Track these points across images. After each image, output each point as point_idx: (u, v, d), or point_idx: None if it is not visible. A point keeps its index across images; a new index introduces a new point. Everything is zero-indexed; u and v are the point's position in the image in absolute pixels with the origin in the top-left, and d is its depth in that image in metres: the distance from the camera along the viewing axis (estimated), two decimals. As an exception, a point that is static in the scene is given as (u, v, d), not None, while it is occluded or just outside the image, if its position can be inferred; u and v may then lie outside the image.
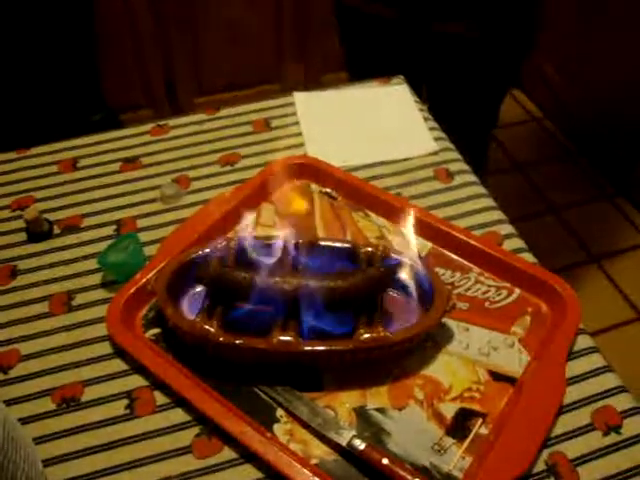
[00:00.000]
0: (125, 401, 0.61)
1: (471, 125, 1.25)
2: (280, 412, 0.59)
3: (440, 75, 1.22)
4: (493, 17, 1.09)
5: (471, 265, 0.72)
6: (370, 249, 0.66)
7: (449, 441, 0.58)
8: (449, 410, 0.60)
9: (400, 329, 0.62)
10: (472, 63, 1.14)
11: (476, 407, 0.60)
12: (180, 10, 1.82)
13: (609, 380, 0.62)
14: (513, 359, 0.64)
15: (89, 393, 0.62)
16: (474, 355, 0.64)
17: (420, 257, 0.72)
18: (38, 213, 0.74)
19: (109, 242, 0.73)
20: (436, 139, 0.88)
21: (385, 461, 0.54)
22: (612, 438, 0.58)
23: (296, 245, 0.67)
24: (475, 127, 1.29)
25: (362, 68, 1.23)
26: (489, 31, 1.10)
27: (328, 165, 0.81)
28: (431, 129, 0.90)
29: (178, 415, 0.60)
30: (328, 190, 0.80)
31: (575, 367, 0.63)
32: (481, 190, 0.82)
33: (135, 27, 1.82)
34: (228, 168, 0.84)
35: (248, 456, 0.56)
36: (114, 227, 0.77)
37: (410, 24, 1.11)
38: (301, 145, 0.87)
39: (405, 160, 0.85)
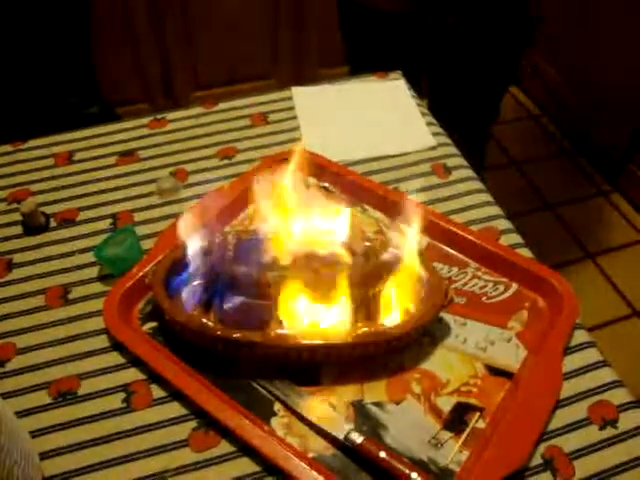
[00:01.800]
0: (122, 394, 0.61)
1: (472, 118, 1.26)
2: (277, 406, 0.59)
3: (441, 68, 1.22)
4: (493, 9, 1.09)
5: (468, 260, 0.72)
6: (368, 244, 0.66)
7: (446, 435, 0.58)
8: (446, 404, 0.60)
9: (397, 324, 0.62)
10: (473, 55, 1.14)
11: (473, 401, 0.60)
12: (177, 4, 1.81)
13: (605, 375, 0.62)
14: (510, 354, 0.64)
15: (86, 386, 0.61)
16: (471, 349, 0.64)
17: (418, 252, 0.72)
18: (34, 206, 0.74)
19: (106, 235, 0.72)
20: (434, 134, 0.88)
21: (382, 455, 0.54)
22: (608, 432, 0.58)
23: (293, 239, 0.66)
24: (476, 120, 1.29)
25: (363, 62, 1.23)
26: (489, 23, 1.10)
27: (326, 159, 0.81)
28: (429, 124, 0.90)
29: (175, 409, 0.60)
30: (326, 184, 0.80)
31: (572, 362, 0.63)
32: (478, 185, 0.82)
33: (132, 21, 1.81)
34: (226, 162, 0.84)
35: (245, 450, 0.56)
36: (111, 220, 0.77)
37: (411, 17, 1.11)
38: (299, 139, 0.87)
39: (403, 155, 0.85)
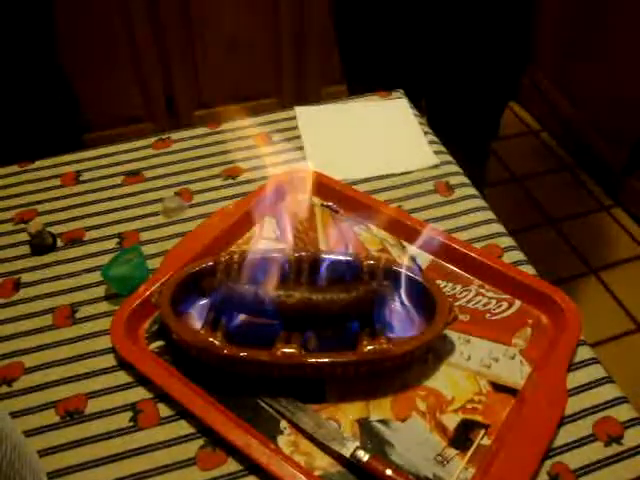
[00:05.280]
0: (129, 413, 0.61)
1: (472, 135, 1.27)
2: (284, 424, 0.60)
3: (440, 87, 1.24)
4: (491, 29, 1.10)
5: (472, 277, 0.72)
6: (372, 262, 0.67)
7: (452, 452, 0.58)
8: (451, 421, 0.60)
9: (402, 341, 0.62)
10: (472, 73, 1.16)
11: (478, 418, 0.60)
12: (179, 23, 1.84)
13: (610, 391, 0.63)
14: (514, 370, 0.64)
15: (93, 405, 0.62)
16: (476, 366, 0.64)
17: (421, 270, 0.73)
18: (42, 226, 0.75)
19: (112, 255, 0.73)
20: (436, 152, 0.89)
21: (389, 472, 0.54)
22: (613, 449, 0.59)
23: (299, 258, 0.67)
24: (476, 137, 1.30)
25: (361, 82, 1.24)
26: (488, 43, 1.11)
27: (329, 178, 0.82)
28: (431, 142, 0.91)
29: (182, 427, 0.60)
30: (330, 203, 0.81)
31: (576, 378, 0.63)
32: (481, 203, 0.82)
33: (134, 40, 1.83)
34: (230, 181, 0.85)
35: (252, 468, 0.57)
36: (117, 240, 0.77)
37: (410, 37, 1.13)
38: (302, 159, 0.88)
39: (406, 173, 0.86)
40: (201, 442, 0.59)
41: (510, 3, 1.10)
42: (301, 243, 0.76)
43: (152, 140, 0.91)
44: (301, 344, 0.60)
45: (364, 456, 0.55)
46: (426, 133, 0.93)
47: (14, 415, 0.61)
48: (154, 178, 0.86)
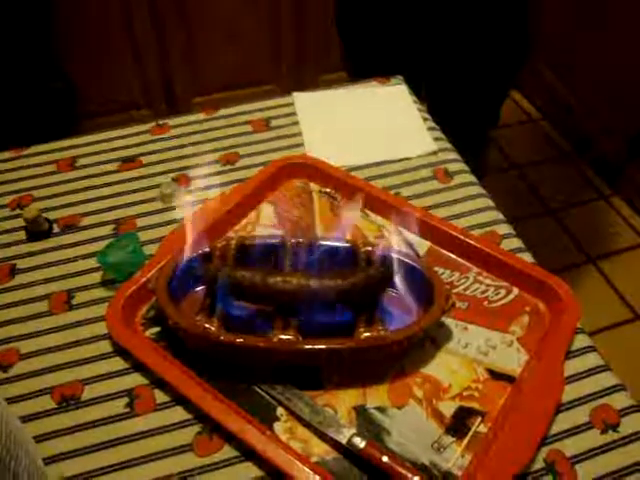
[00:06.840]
0: (125, 399, 0.61)
1: (472, 123, 1.26)
2: (280, 410, 0.60)
3: (440, 76, 1.23)
4: (492, 18, 1.09)
5: (470, 264, 0.72)
6: (369, 248, 0.67)
7: (448, 439, 0.58)
8: (448, 408, 0.60)
9: (399, 328, 0.62)
10: (473, 62, 1.15)
11: (475, 405, 0.60)
12: (177, 10, 1.82)
13: (607, 379, 0.63)
14: (512, 358, 0.64)
15: (89, 391, 0.62)
16: (473, 354, 0.64)
17: (419, 256, 0.73)
18: (38, 212, 0.74)
19: (108, 241, 0.73)
20: (435, 139, 0.89)
21: (385, 459, 0.54)
22: (610, 436, 0.59)
23: (296, 244, 0.67)
24: (476, 125, 1.29)
25: (361, 68, 1.23)
26: (489, 32, 1.11)
27: (327, 165, 0.81)
28: (430, 129, 0.90)
29: (178, 413, 0.60)
30: (328, 190, 0.81)
31: (573, 366, 0.63)
32: (480, 190, 0.82)
33: (132, 27, 1.81)
34: (228, 167, 0.85)
35: (249, 454, 0.57)
36: (113, 226, 0.77)
37: (411, 24, 1.12)
38: (300, 145, 0.87)
39: (404, 160, 0.85)
40: (198, 428, 0.59)
41: None
42: (299, 230, 0.75)
43: (149, 126, 0.90)
44: (298, 331, 0.60)
45: (360, 443, 0.55)
46: (425, 119, 0.92)
47: (10, 401, 0.60)
48: (151, 164, 0.85)
